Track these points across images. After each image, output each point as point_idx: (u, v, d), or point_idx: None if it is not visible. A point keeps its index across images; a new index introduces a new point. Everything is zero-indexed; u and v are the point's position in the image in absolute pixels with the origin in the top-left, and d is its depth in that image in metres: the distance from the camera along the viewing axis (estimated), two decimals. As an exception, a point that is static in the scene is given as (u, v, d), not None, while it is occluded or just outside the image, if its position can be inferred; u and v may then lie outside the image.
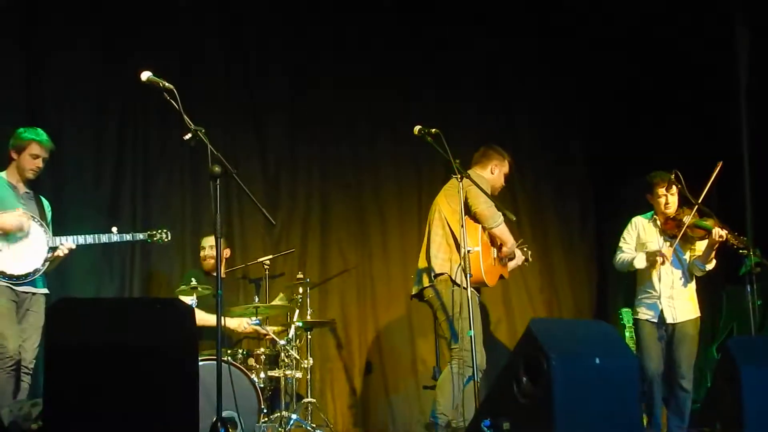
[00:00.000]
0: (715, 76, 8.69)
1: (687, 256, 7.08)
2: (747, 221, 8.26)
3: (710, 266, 7.00)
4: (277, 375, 7.14)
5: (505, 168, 6.88)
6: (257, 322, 7.27)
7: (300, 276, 7.62)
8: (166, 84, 5.09)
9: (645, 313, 7.06)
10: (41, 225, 6.21)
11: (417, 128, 6.00)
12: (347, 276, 8.50)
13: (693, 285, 7.10)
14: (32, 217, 6.18)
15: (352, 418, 8.46)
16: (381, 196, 8.75)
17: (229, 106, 8.36)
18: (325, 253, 8.56)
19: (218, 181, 5.08)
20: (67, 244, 6.22)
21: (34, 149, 6.26)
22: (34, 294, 6.19)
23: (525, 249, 7.04)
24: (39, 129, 6.36)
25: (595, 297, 9.47)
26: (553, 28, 9.30)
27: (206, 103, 7.85)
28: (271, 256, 7.82)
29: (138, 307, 4.61)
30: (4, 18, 7.55)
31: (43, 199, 6.50)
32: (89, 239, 6.31)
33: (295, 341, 7.33)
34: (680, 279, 7.03)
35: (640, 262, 7.05)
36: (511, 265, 6.85)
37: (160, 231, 6.69)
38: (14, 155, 6.30)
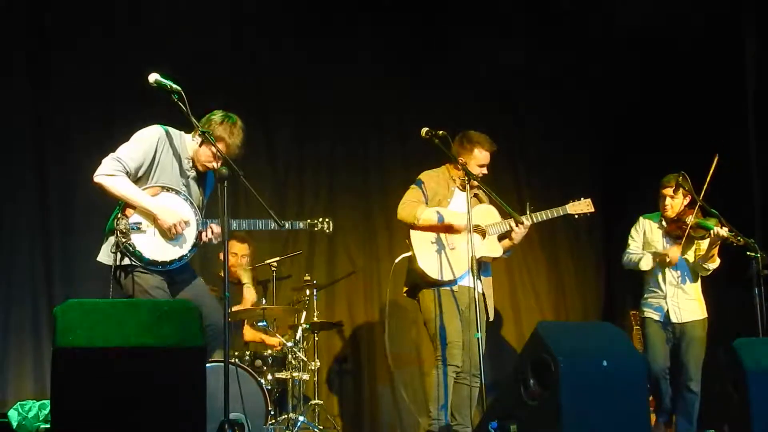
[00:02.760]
0: (724, 74, 8.68)
1: (691, 255, 7.08)
2: (755, 224, 8.25)
3: (713, 265, 7.01)
4: (284, 377, 7.15)
5: (475, 159, 6.50)
6: (264, 324, 7.27)
7: (307, 278, 7.63)
8: (174, 86, 5.11)
9: (651, 313, 7.08)
10: (195, 212, 5.42)
11: (424, 130, 6.00)
12: (354, 278, 8.51)
13: (699, 285, 7.11)
14: (191, 203, 5.42)
15: (360, 420, 8.46)
16: (388, 198, 8.73)
17: (237, 106, 8.35)
18: (332, 255, 8.57)
19: (225, 183, 5.10)
20: (215, 227, 5.44)
21: (212, 148, 5.38)
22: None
23: (526, 215, 6.48)
24: (239, 125, 5.52)
25: (602, 299, 9.47)
26: (561, 31, 9.30)
27: (214, 103, 7.84)
28: (278, 258, 7.82)
29: (145, 309, 4.61)
30: (8, 18, 7.58)
31: (212, 180, 5.71)
32: (244, 225, 5.69)
33: (303, 343, 7.33)
34: (685, 279, 7.04)
35: (646, 264, 7.08)
36: (517, 238, 6.46)
37: (322, 221, 6.04)
38: (199, 138, 5.43)
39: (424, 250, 6.34)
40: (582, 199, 6.65)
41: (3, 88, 7.51)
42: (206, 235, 5.44)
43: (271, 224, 5.67)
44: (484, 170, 6.51)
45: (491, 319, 6.52)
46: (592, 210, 6.68)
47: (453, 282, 6.29)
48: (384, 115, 8.90)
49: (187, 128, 5.40)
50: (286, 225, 5.78)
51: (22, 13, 7.67)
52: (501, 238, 6.51)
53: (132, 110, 7.92)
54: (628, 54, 9.13)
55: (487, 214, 6.49)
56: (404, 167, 8.72)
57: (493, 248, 6.47)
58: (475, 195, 6.49)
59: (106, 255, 5.27)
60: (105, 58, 7.85)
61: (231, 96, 8.30)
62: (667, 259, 6.98)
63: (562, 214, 6.61)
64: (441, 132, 5.99)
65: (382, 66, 8.88)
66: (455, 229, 6.33)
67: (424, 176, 6.59)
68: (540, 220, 6.52)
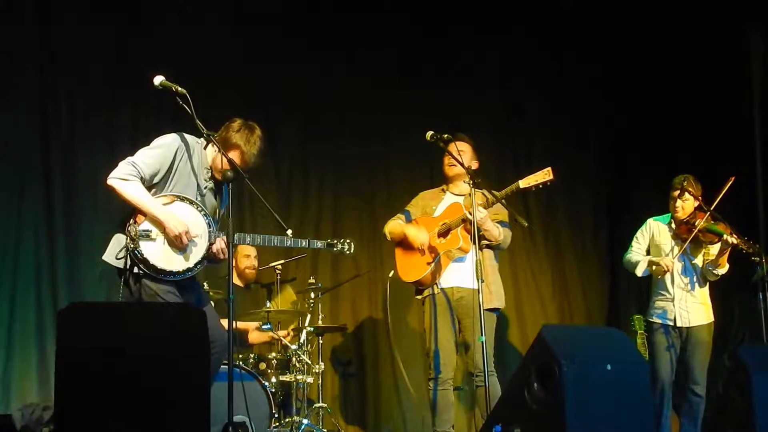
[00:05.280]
0: (729, 77, 8.68)
1: (700, 260, 7.07)
2: (760, 228, 8.23)
3: (722, 271, 6.99)
4: (288, 380, 7.15)
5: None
6: (269, 326, 7.27)
7: (312, 281, 7.62)
8: (179, 89, 5.09)
9: (658, 317, 7.06)
10: (208, 224, 5.28)
11: (429, 134, 5.99)
12: (359, 281, 8.49)
13: (707, 290, 7.08)
14: (205, 214, 5.28)
15: (364, 423, 8.46)
16: (393, 201, 8.74)
17: (240, 108, 8.33)
18: (336, 258, 8.56)
19: (231, 185, 5.10)
20: (220, 240, 5.27)
21: (235, 157, 5.29)
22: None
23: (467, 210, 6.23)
24: (257, 134, 5.39)
25: (606, 303, 9.46)
26: (566, 31, 9.30)
27: (219, 106, 7.86)
28: (282, 261, 7.81)
29: (150, 311, 4.61)
30: (16, 17, 7.60)
31: (227, 190, 5.35)
32: (258, 240, 5.55)
33: (307, 346, 7.33)
34: (693, 283, 7.02)
35: (640, 270, 7.08)
36: (488, 226, 6.27)
37: (342, 241, 5.84)
38: (219, 145, 5.26)
39: (402, 261, 6.57)
40: (538, 171, 6.15)
41: (8, 90, 7.52)
42: (216, 247, 5.30)
43: (287, 241, 5.62)
44: (453, 167, 6.47)
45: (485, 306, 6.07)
46: (551, 177, 6.11)
47: (430, 286, 6.42)
48: (388, 116, 8.89)
49: (194, 131, 5.38)
50: (303, 243, 5.77)
51: (29, 18, 7.68)
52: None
53: (136, 112, 7.96)
54: (631, 54, 9.12)
55: (454, 210, 6.47)
56: (409, 169, 8.74)
57: (452, 241, 6.37)
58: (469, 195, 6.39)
59: (111, 256, 5.18)
60: (108, 60, 7.86)
61: (234, 97, 8.31)
62: (663, 269, 6.96)
63: (515, 190, 6.22)
64: (446, 135, 5.97)
65: (383, 67, 8.89)
66: (409, 239, 6.45)
67: (416, 199, 6.76)
68: (492, 202, 6.18)
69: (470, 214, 5.99)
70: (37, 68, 7.67)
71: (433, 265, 6.36)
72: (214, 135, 5.22)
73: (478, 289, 5.76)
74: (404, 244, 6.54)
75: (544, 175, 6.14)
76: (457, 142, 6.28)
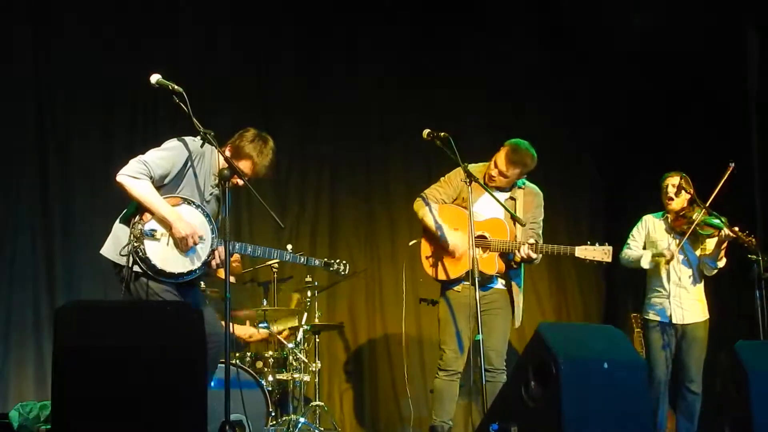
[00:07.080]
0: (726, 76, 8.68)
1: (697, 254, 7.06)
2: (757, 228, 8.23)
3: (721, 264, 6.97)
4: (285, 378, 7.15)
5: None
6: (265, 325, 7.27)
7: (308, 279, 7.61)
8: (176, 87, 5.07)
9: (653, 313, 7.06)
10: (212, 230, 5.27)
11: (426, 132, 5.97)
12: (355, 279, 8.48)
13: (702, 286, 7.08)
14: (210, 221, 5.27)
15: (361, 421, 8.46)
16: (390, 200, 8.76)
17: (240, 107, 8.37)
18: (333, 256, 8.52)
19: (227, 184, 5.09)
20: (217, 250, 5.27)
21: (246, 167, 5.34)
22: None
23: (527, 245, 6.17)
24: (269, 146, 5.42)
25: (604, 301, 9.47)
26: (565, 29, 9.30)
27: (216, 104, 7.87)
28: (279, 259, 7.80)
29: (147, 310, 4.60)
30: (15, 17, 7.60)
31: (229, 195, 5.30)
32: (259, 251, 5.63)
33: (304, 344, 7.33)
34: (689, 278, 7.02)
35: (646, 262, 7.04)
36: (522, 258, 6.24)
37: (339, 261, 6.21)
38: (228, 152, 5.32)
39: (429, 254, 6.42)
40: (599, 245, 6.10)
41: (4, 90, 7.52)
42: (215, 261, 5.29)
43: (286, 256, 5.81)
44: (498, 174, 6.36)
45: (516, 326, 6.47)
46: (608, 260, 6.13)
47: (454, 283, 6.29)
48: (386, 115, 8.91)
49: (191, 130, 5.37)
50: (301, 260, 5.90)
51: (27, 17, 7.68)
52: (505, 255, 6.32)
53: (134, 113, 7.96)
54: (631, 53, 9.12)
55: (497, 227, 6.32)
56: (406, 168, 8.74)
57: (488, 265, 6.25)
58: (512, 198, 6.37)
59: (111, 251, 5.17)
60: (107, 60, 7.86)
61: (234, 97, 8.32)
62: (666, 256, 6.94)
63: (568, 254, 6.19)
64: (443, 134, 5.95)
65: (383, 66, 8.91)
66: (448, 249, 6.27)
67: (453, 176, 6.47)
68: (543, 252, 6.21)
69: (518, 251, 6.13)
70: (35, 68, 7.67)
71: (463, 274, 6.22)
72: (210, 133, 5.20)
73: (475, 287, 5.76)
74: (433, 238, 6.36)
75: (603, 254, 6.12)
76: (503, 162, 6.37)
